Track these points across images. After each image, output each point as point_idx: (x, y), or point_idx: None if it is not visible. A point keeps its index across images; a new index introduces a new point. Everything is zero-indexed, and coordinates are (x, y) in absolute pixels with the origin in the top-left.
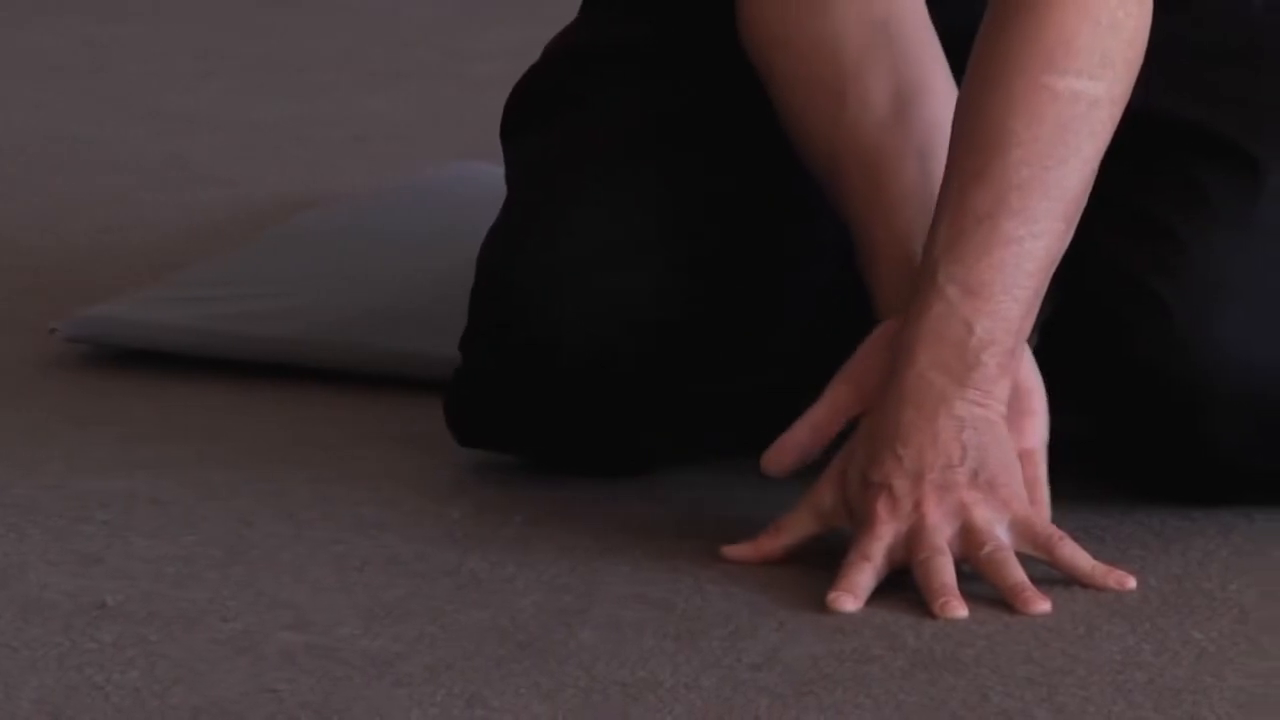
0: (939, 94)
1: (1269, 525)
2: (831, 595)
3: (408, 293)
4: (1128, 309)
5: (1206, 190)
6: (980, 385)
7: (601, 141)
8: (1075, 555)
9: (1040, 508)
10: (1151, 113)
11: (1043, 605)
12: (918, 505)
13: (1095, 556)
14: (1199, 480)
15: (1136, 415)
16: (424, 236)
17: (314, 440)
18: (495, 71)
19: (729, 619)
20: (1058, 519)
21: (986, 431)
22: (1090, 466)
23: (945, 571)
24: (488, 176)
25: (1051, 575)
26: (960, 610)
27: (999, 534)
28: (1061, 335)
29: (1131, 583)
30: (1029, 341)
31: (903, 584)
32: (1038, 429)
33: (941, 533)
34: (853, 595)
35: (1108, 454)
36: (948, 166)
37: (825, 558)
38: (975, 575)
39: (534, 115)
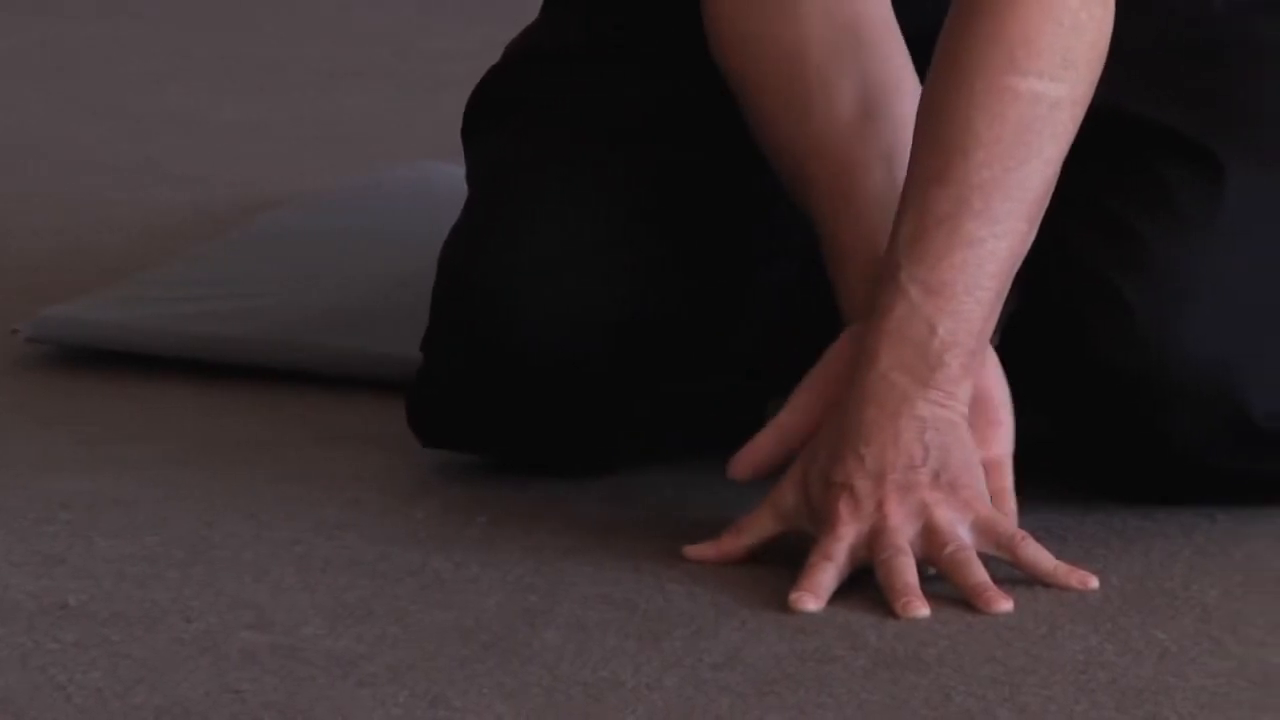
0: (907, 93)
1: (1231, 525)
2: (794, 595)
3: (370, 292)
4: (1091, 307)
5: (1170, 190)
6: (942, 386)
7: (563, 142)
8: (1037, 555)
9: (1009, 519)
10: (1116, 112)
11: (1005, 605)
12: (880, 505)
13: (1058, 556)
14: (1161, 479)
15: (1099, 414)
16: (386, 236)
17: (277, 440)
18: (456, 72)
19: (691, 619)
20: (1021, 518)
21: (949, 432)
22: (1052, 466)
23: (907, 571)
24: (449, 176)
25: (1014, 575)
26: (922, 610)
27: (961, 534)
28: (1024, 333)
29: (1094, 582)
30: (990, 340)
31: (865, 584)
32: (1004, 439)
33: (903, 533)
34: (815, 595)
35: (1070, 453)
36: (910, 166)
37: (787, 558)
38: (937, 575)
39: (495, 116)
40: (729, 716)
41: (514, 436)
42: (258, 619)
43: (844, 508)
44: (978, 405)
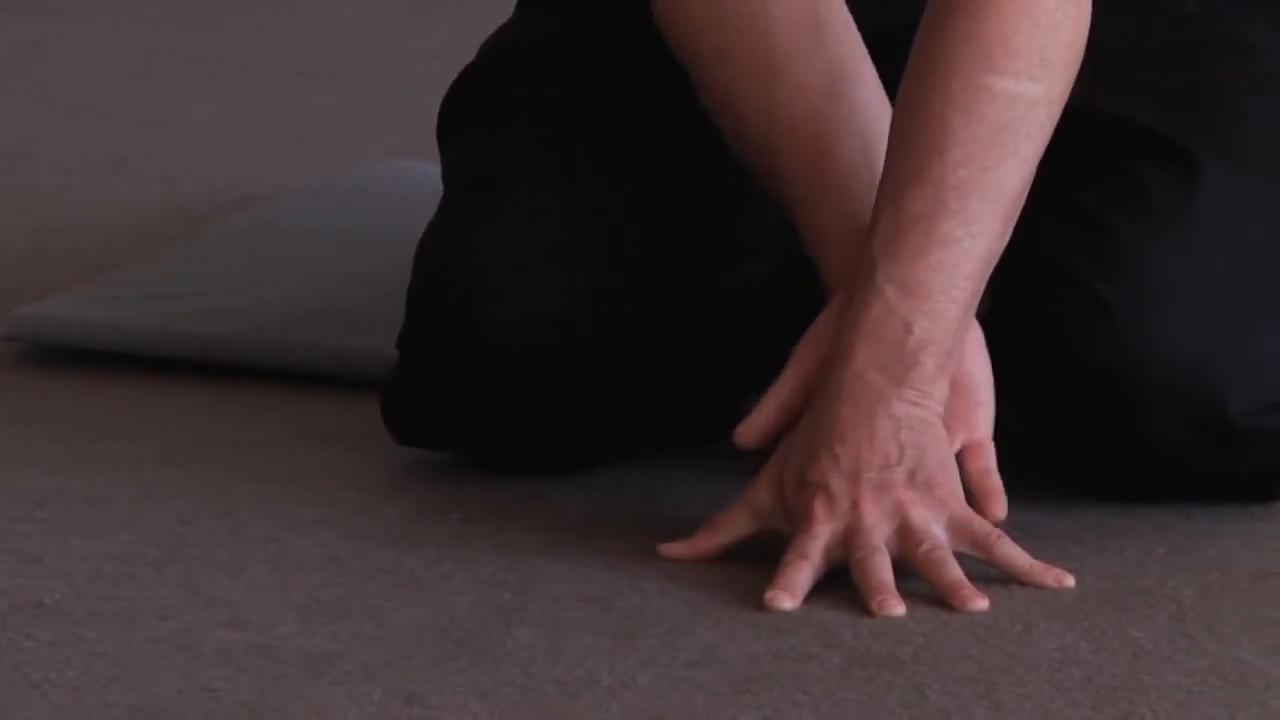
0: (870, 83)
1: (1205, 523)
2: (769, 594)
3: (345, 291)
4: (1067, 307)
5: (1146, 189)
6: (918, 385)
7: (537, 141)
8: (1013, 553)
9: (995, 495)
10: (1092, 113)
11: (980, 603)
12: (855, 505)
13: (1033, 554)
14: (1136, 477)
15: (1075, 412)
16: (360, 235)
17: (251, 438)
18: (431, 70)
19: (666, 617)
20: None
21: (924, 431)
22: (1028, 463)
23: (883, 570)
24: (424, 175)
25: (989, 573)
26: (898, 608)
27: (936, 532)
28: (1001, 332)
29: (1069, 580)
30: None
31: (840, 583)
32: (985, 421)
33: (879, 531)
34: (790, 594)
35: (1045, 451)
36: (885, 165)
37: (762, 556)
38: (913, 574)
39: (470, 114)
40: (704, 715)
41: (488, 435)
42: (232, 617)
43: (819, 507)
44: (959, 385)
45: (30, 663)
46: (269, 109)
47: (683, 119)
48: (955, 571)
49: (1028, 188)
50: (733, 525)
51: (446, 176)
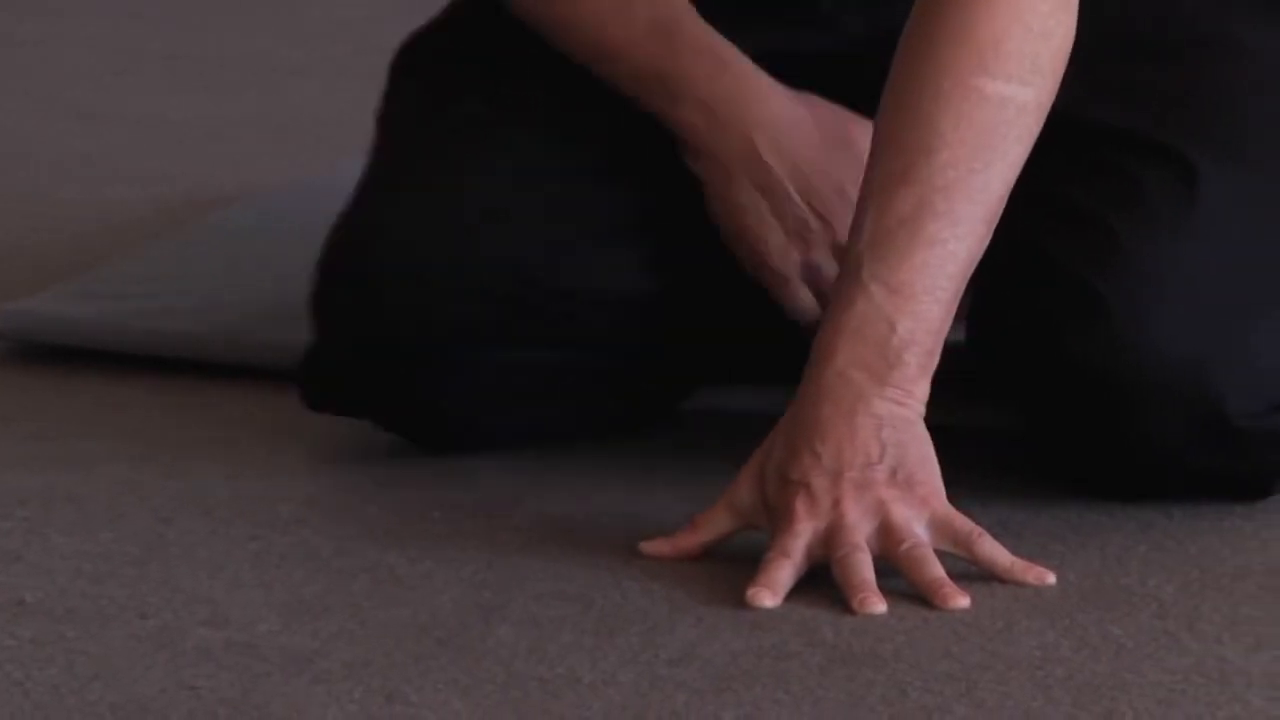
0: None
1: (1187, 520)
2: (750, 591)
3: None
4: (1065, 306)
5: (1144, 189)
6: (900, 384)
7: (465, 108)
8: (994, 551)
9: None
10: (1090, 115)
11: (961, 601)
12: (836, 503)
13: (1014, 552)
14: (1134, 477)
15: (1073, 412)
16: None
17: (232, 436)
18: None
19: (647, 615)
20: (977, 514)
21: (905, 430)
22: (1011, 461)
23: (864, 568)
24: None
25: (970, 571)
26: (879, 606)
27: (918, 531)
28: (997, 331)
29: (1050, 578)
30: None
31: (822, 581)
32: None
33: (860, 530)
34: (771, 591)
35: (1034, 448)
36: (871, 161)
37: (744, 554)
38: (894, 571)
39: (417, 65)
40: (685, 713)
41: (386, 403)
42: (213, 615)
43: (801, 505)
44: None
45: (11, 661)
46: (249, 108)
47: (589, 98)
48: (936, 569)
49: (1010, 190)
50: (714, 523)
51: (378, 125)
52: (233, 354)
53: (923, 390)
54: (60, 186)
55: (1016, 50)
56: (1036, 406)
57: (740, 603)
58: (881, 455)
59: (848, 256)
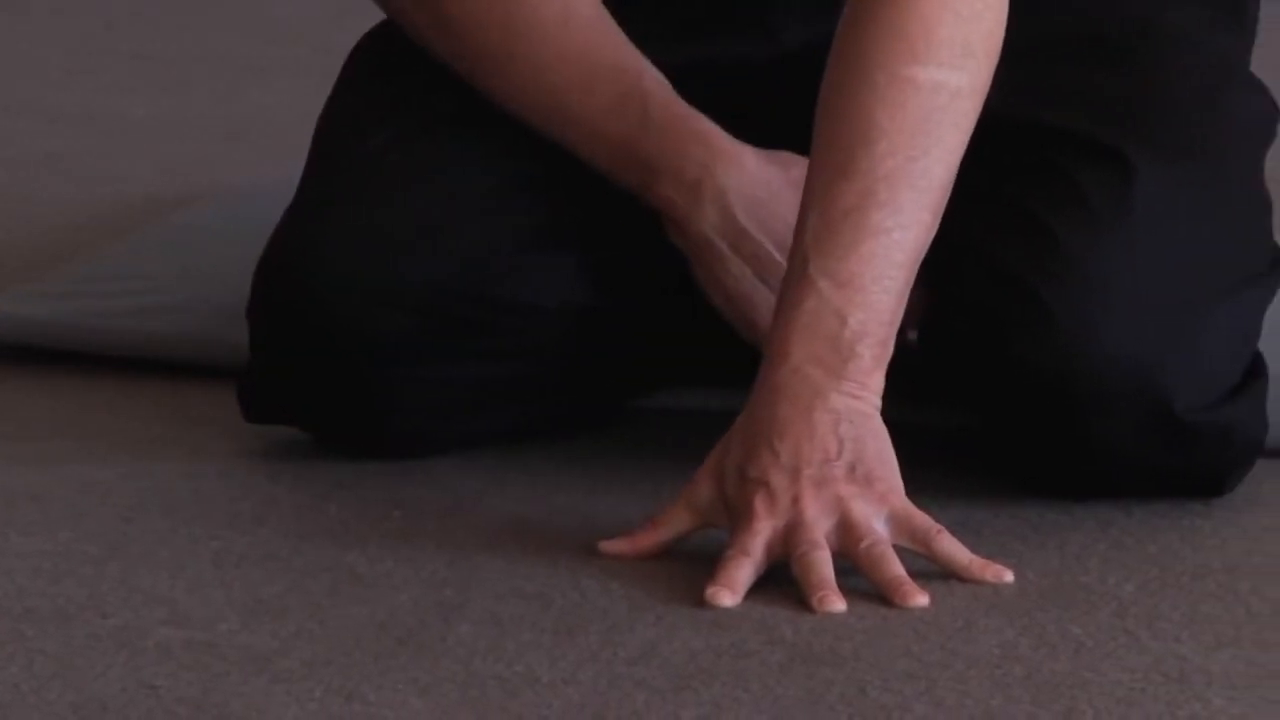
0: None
1: (1147, 519)
2: (710, 590)
3: None
4: (1008, 309)
5: (1083, 190)
6: (855, 378)
7: (403, 120)
8: (953, 549)
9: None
10: (1027, 118)
11: (921, 599)
12: (795, 500)
13: (973, 550)
14: (1085, 476)
15: (1018, 413)
16: None
17: (190, 437)
18: None
19: (606, 614)
20: (936, 512)
21: (862, 425)
22: (968, 460)
23: (823, 566)
24: None
25: (929, 569)
26: (838, 604)
27: (877, 528)
28: (944, 335)
29: (1009, 576)
30: (908, 341)
31: (781, 579)
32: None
33: (819, 527)
34: (731, 590)
35: (987, 447)
36: (812, 160)
37: (703, 553)
38: (853, 569)
39: (362, 74)
40: (644, 711)
41: (321, 413)
42: (173, 615)
43: (760, 503)
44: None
45: None
46: (207, 107)
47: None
48: (896, 568)
49: (953, 177)
50: (673, 522)
51: (318, 129)
52: (193, 353)
53: (877, 383)
54: (17, 186)
55: (947, 37)
56: (988, 408)
57: (699, 601)
58: (840, 451)
59: (793, 253)
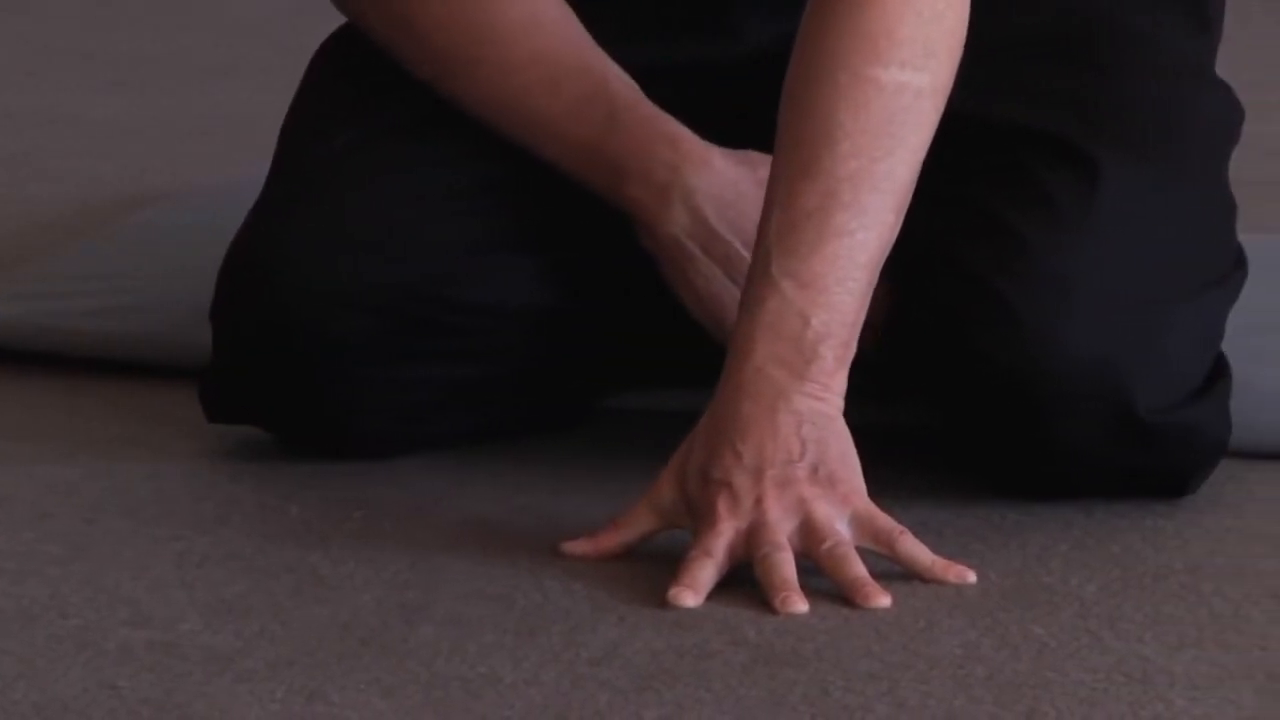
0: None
1: (1109, 519)
2: (672, 591)
3: None
4: (972, 309)
5: (1048, 191)
6: (817, 378)
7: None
8: (915, 550)
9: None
10: (992, 117)
11: (883, 600)
12: (758, 502)
13: (935, 551)
14: (1049, 476)
15: (983, 414)
16: None
17: (153, 437)
18: None
19: (569, 614)
20: (898, 513)
21: (825, 426)
22: (930, 461)
23: (786, 567)
24: None
25: (892, 570)
26: (801, 605)
27: (839, 529)
28: (909, 335)
29: (971, 577)
30: (873, 348)
31: (744, 580)
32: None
33: (782, 528)
34: (693, 591)
35: (950, 448)
36: (775, 160)
37: (665, 554)
38: (816, 571)
39: (327, 75)
40: (607, 712)
41: (283, 414)
42: (135, 615)
43: (722, 504)
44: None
45: None
46: (169, 107)
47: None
48: (858, 568)
49: (916, 177)
50: (636, 523)
51: (281, 133)
52: (155, 353)
53: (840, 384)
54: None
55: (909, 37)
56: (951, 408)
57: (662, 602)
58: (803, 453)
59: (756, 251)
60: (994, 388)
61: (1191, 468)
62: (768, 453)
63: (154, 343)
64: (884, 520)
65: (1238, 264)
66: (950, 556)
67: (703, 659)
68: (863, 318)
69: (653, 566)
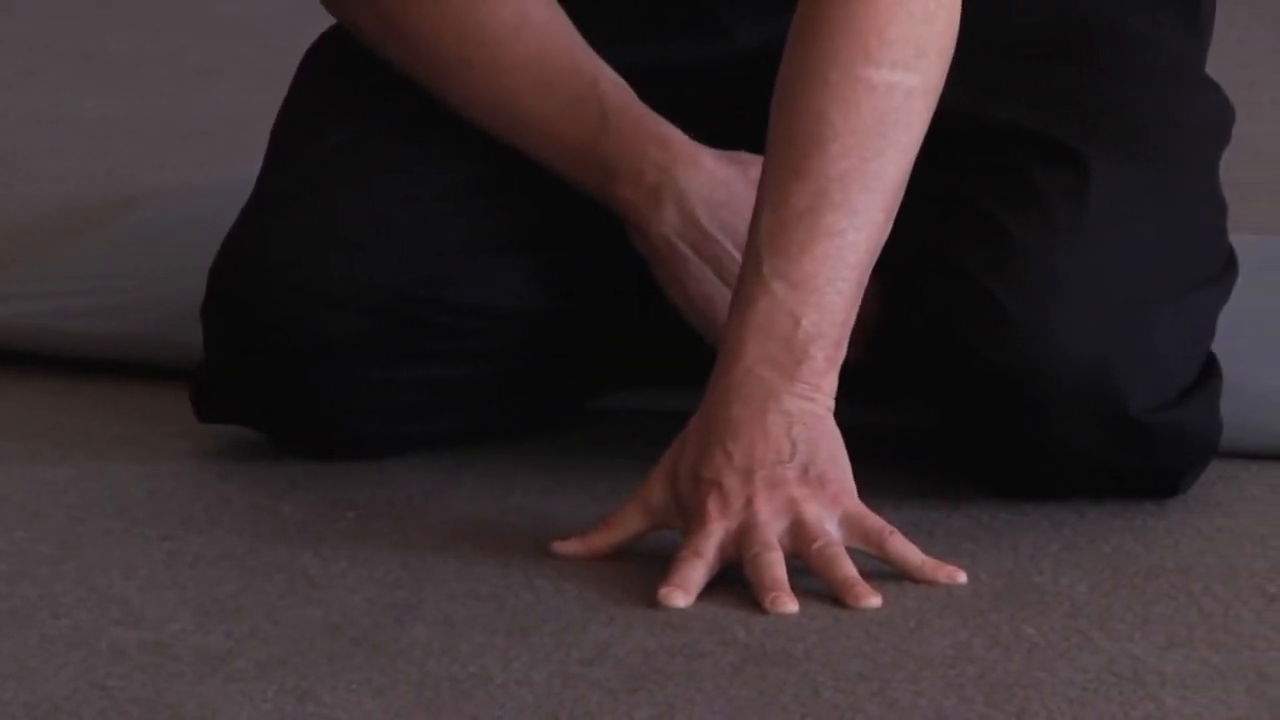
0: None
1: (1100, 519)
2: (663, 591)
3: None
4: (963, 308)
5: (1039, 190)
6: (808, 379)
7: (357, 123)
8: (906, 550)
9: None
10: (983, 116)
11: (873, 600)
12: (749, 502)
13: (926, 551)
14: (1035, 474)
15: (975, 413)
16: None
17: (144, 437)
18: None
19: (560, 614)
20: (888, 513)
21: (815, 426)
22: (920, 461)
23: (776, 567)
24: None
25: (882, 570)
26: (791, 605)
27: (829, 529)
28: (901, 336)
29: (962, 577)
30: (860, 353)
31: (734, 580)
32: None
33: (772, 529)
34: (684, 591)
35: (941, 448)
36: (766, 160)
37: (656, 554)
38: (806, 571)
39: (319, 75)
40: (597, 712)
41: (275, 415)
42: (126, 615)
43: (713, 504)
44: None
45: None
46: (159, 107)
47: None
48: (848, 568)
49: (907, 178)
50: (626, 523)
51: (272, 133)
52: (146, 353)
53: (830, 384)
54: None
55: (900, 37)
56: (943, 408)
57: (653, 602)
58: (793, 453)
59: (747, 252)
60: (985, 387)
61: (1182, 467)
62: (758, 453)
63: (147, 343)
64: (874, 520)
65: (1229, 264)
66: (941, 556)
67: (693, 659)
68: (854, 318)
69: (643, 566)
